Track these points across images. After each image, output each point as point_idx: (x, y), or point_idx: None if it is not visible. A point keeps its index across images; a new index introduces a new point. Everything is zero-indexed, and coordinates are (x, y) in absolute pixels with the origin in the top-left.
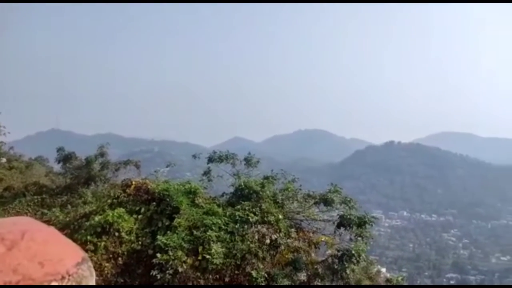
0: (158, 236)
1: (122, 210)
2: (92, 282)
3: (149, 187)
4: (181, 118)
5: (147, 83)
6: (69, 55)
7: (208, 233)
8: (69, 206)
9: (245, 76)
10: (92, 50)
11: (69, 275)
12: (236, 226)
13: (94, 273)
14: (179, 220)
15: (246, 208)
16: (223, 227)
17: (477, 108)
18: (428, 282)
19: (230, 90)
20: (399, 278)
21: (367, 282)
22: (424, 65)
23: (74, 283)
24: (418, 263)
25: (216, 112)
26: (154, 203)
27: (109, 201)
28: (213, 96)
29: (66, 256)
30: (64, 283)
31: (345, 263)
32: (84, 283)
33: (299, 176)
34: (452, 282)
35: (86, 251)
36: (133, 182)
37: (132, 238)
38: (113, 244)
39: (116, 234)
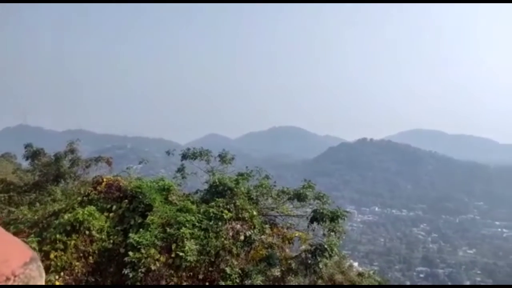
0: (130, 234)
1: (92, 208)
2: (41, 282)
3: (121, 184)
4: (155, 115)
5: (120, 78)
6: (39, 49)
7: (181, 231)
8: (37, 204)
9: (221, 74)
10: (64, 44)
11: (14, 276)
12: (210, 223)
13: (43, 273)
14: (152, 217)
15: (220, 204)
16: (197, 224)
17: (446, 107)
18: (398, 275)
19: (206, 88)
20: (371, 272)
21: (339, 276)
22: (395, 64)
23: (21, 284)
24: (389, 257)
25: (192, 109)
26: (126, 200)
27: (79, 198)
28: (189, 93)
29: (12, 256)
30: (9, 284)
31: (318, 257)
32: (32, 283)
33: (274, 173)
34: (422, 276)
35: (56, 250)
36: (104, 179)
37: (103, 236)
38: (84, 243)
39: (87, 232)
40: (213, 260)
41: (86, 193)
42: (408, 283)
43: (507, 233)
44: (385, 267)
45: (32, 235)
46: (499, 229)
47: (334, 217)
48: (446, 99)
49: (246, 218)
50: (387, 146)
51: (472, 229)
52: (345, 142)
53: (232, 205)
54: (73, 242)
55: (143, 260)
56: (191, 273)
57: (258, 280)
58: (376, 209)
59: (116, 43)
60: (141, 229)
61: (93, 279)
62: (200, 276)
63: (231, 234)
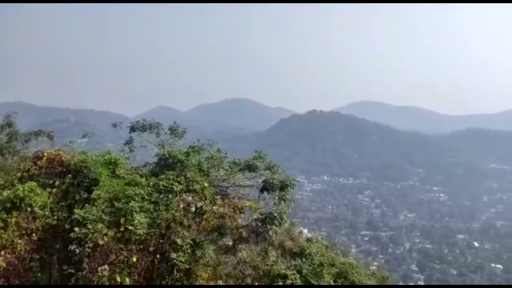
0: (75, 210)
1: (33, 183)
2: None
3: (63, 158)
4: (100, 86)
5: (61, 47)
6: None
7: (130, 204)
8: None
9: (172, 43)
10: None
11: None
12: (160, 196)
13: None
14: (98, 192)
15: (170, 177)
16: (146, 197)
17: (392, 80)
18: (345, 239)
19: (155, 57)
20: (319, 237)
21: (289, 243)
22: (345, 37)
23: None
24: (336, 223)
25: (140, 80)
26: (70, 175)
27: (18, 174)
28: (136, 62)
29: None
30: None
31: (268, 225)
32: None
33: (227, 145)
34: (366, 239)
35: None
36: (46, 154)
37: (47, 212)
38: (26, 220)
39: (29, 209)
40: (164, 232)
41: (26, 169)
42: (353, 246)
43: (443, 197)
44: (333, 232)
45: None
46: (436, 194)
47: (283, 186)
48: (392, 73)
49: (197, 190)
50: (336, 117)
51: (412, 195)
52: (296, 114)
53: (183, 177)
54: (14, 219)
55: (90, 235)
56: (142, 246)
57: (210, 249)
58: (325, 178)
59: (56, 9)
60: (87, 204)
61: (37, 257)
62: (151, 249)
63: (182, 206)
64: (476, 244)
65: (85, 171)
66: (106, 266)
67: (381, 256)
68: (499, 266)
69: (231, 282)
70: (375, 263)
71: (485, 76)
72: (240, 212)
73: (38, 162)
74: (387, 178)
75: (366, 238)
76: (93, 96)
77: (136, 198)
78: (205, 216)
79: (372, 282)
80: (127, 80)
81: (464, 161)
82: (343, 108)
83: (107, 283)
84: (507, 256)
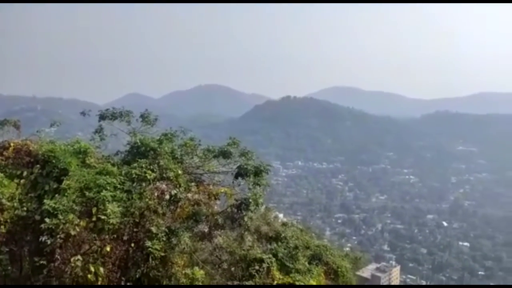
0: (45, 201)
1: (0, 175)
2: None
3: (31, 148)
4: (68, 73)
5: (27, 34)
6: None
7: (102, 194)
8: None
9: (142, 28)
10: None
11: None
12: (133, 185)
13: None
14: (68, 182)
15: (143, 165)
16: (118, 186)
17: (363, 65)
18: (319, 222)
19: (124, 43)
20: (294, 221)
21: (265, 227)
22: (317, 25)
23: None
24: (311, 207)
25: (109, 67)
26: (38, 165)
27: None
28: (105, 48)
29: None
30: None
31: (243, 211)
32: None
33: (201, 132)
34: (339, 221)
35: None
36: (12, 144)
37: (15, 204)
38: None
39: None
40: (138, 221)
41: None
42: (328, 229)
43: (413, 179)
44: (308, 216)
45: None
46: (407, 176)
47: (258, 172)
48: (362, 59)
49: (171, 178)
50: (309, 103)
51: (383, 177)
52: (271, 100)
53: (156, 165)
54: None
55: (61, 226)
56: (115, 235)
57: (185, 236)
58: (299, 163)
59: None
60: (57, 195)
61: (7, 249)
62: (125, 238)
63: (156, 194)
64: (444, 223)
65: (54, 161)
66: (79, 257)
67: (354, 237)
68: (466, 244)
69: (208, 268)
70: (348, 245)
71: (453, 61)
72: (215, 199)
73: (4, 153)
74: (360, 162)
75: (340, 221)
76: (60, 84)
77: (108, 187)
78: (179, 204)
79: (345, 262)
80: (96, 67)
81: (433, 144)
82: (316, 93)
83: (80, 274)
84: (474, 234)
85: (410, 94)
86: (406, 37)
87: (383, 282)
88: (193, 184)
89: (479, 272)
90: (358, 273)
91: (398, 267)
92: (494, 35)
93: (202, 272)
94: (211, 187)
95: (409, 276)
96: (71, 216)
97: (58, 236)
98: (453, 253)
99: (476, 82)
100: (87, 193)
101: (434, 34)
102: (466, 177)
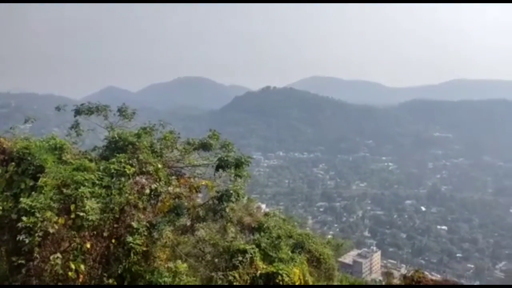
0: (21, 199)
1: None
2: None
3: (5, 146)
4: (42, 67)
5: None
6: None
7: (80, 190)
8: None
9: (118, 20)
10: None
11: None
12: (112, 180)
13: None
14: (44, 179)
15: (122, 160)
16: (97, 182)
17: (343, 55)
18: (301, 211)
19: (100, 35)
20: (277, 211)
21: (248, 218)
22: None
23: None
24: (293, 196)
25: (85, 60)
26: (13, 163)
27: None
28: (80, 41)
29: None
30: None
31: (224, 202)
32: None
33: (181, 125)
34: (321, 210)
35: None
36: None
37: None
38: None
39: None
40: (118, 216)
41: None
42: (310, 217)
43: (392, 166)
44: (290, 205)
45: None
46: (386, 163)
47: (238, 163)
48: (341, 49)
49: (151, 172)
50: (289, 93)
51: (363, 165)
52: (251, 91)
53: (135, 160)
54: None
55: (39, 224)
56: (95, 232)
57: (167, 230)
58: (281, 153)
59: None
60: (33, 193)
61: None
62: (106, 234)
63: (136, 189)
64: (423, 208)
65: (29, 158)
66: (58, 254)
67: (336, 225)
68: (444, 227)
69: (191, 261)
70: (330, 232)
71: (428, 49)
72: (197, 192)
73: None
74: (340, 151)
75: (321, 209)
76: (35, 79)
77: (86, 184)
78: (160, 198)
79: (327, 250)
80: (71, 61)
81: (411, 131)
82: (296, 84)
83: (60, 272)
84: (451, 218)
85: (388, 82)
86: (384, 27)
87: (365, 267)
88: (173, 177)
89: (457, 254)
90: (340, 259)
91: (379, 252)
92: (467, 24)
93: (185, 265)
94: (192, 180)
95: (389, 260)
96: (49, 213)
97: (36, 234)
98: (432, 237)
99: (449, 69)
100: (64, 190)
101: (411, 24)
102: (443, 163)
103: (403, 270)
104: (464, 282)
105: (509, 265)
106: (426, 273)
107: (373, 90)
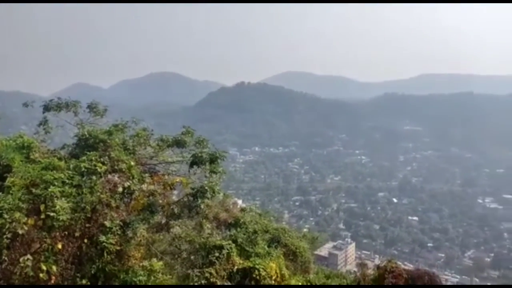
0: None
1: None
2: None
3: None
4: (9, 64)
5: None
6: None
7: (50, 190)
8: None
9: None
10: None
11: None
12: (83, 179)
13: None
14: (12, 179)
15: (93, 158)
16: (67, 181)
17: (315, 51)
18: (278, 206)
19: (69, 30)
20: (253, 207)
21: (224, 214)
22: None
23: None
24: (269, 191)
25: (52, 56)
26: None
27: None
28: (47, 35)
29: None
30: None
31: (199, 199)
32: None
33: (154, 121)
34: (297, 204)
35: None
36: None
37: None
38: None
39: None
40: (89, 216)
41: None
42: (286, 212)
43: (364, 159)
44: (266, 200)
45: None
46: (359, 157)
47: (213, 159)
48: (314, 44)
49: (124, 170)
50: (263, 89)
51: (337, 159)
52: (225, 86)
53: (107, 157)
54: None
55: (7, 226)
56: (67, 232)
57: (141, 228)
58: (256, 149)
59: None
60: (0, 193)
61: None
62: (77, 234)
63: (108, 187)
64: (395, 200)
65: None
66: (28, 256)
67: (311, 218)
68: (415, 218)
69: (167, 258)
70: (306, 226)
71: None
72: (171, 189)
73: None
74: (314, 145)
75: (297, 203)
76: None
77: (56, 183)
78: (134, 196)
79: (303, 243)
80: (39, 57)
81: (382, 125)
82: (270, 79)
83: (31, 274)
84: (422, 208)
85: (360, 77)
86: (356, 24)
87: (340, 259)
88: (147, 175)
89: (428, 244)
90: (316, 252)
91: (353, 244)
92: (438, 22)
93: (160, 263)
94: (166, 177)
95: (363, 251)
96: (17, 214)
97: (4, 236)
98: (404, 228)
99: (418, 64)
100: (33, 190)
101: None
102: (413, 155)
103: (377, 261)
104: (435, 271)
105: (477, 253)
106: (399, 263)
107: (346, 85)
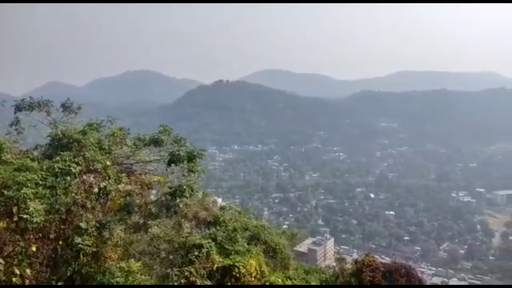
0: None
1: None
2: None
3: None
4: None
5: None
6: None
7: (22, 191)
8: None
9: (61, 13)
10: None
11: None
12: (57, 180)
13: None
14: None
15: (67, 158)
16: (40, 182)
17: (294, 49)
18: (257, 203)
19: (41, 27)
20: (232, 205)
21: (203, 213)
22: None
23: None
24: (248, 189)
25: (24, 54)
26: None
27: None
28: (18, 33)
29: None
30: None
31: (177, 198)
32: None
33: (131, 120)
34: (276, 201)
35: None
36: None
37: None
38: None
39: None
40: (64, 217)
41: None
42: (265, 209)
43: (342, 156)
44: (246, 198)
45: None
46: (337, 154)
47: (191, 157)
48: (292, 42)
49: (99, 170)
50: (242, 86)
51: (315, 156)
52: (203, 84)
53: (81, 157)
54: None
55: None
56: (41, 234)
57: (118, 229)
58: (236, 147)
59: None
60: None
61: None
62: (52, 236)
63: (83, 188)
64: (372, 195)
65: None
66: (1, 260)
67: (291, 215)
68: (391, 212)
69: (145, 259)
70: (286, 222)
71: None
72: (149, 188)
73: None
74: (293, 143)
75: (277, 200)
76: None
77: (29, 184)
78: (110, 196)
79: (283, 240)
80: (10, 55)
81: (359, 122)
82: (249, 77)
83: (3, 278)
84: (398, 203)
85: (339, 75)
86: (334, 23)
87: (319, 254)
88: (123, 175)
89: (405, 238)
90: (295, 248)
91: (332, 239)
92: (409, 20)
93: (138, 264)
94: (143, 176)
95: (342, 246)
96: None
97: None
98: (381, 222)
99: (393, 62)
100: (5, 192)
101: (357, 20)
102: (389, 151)
103: (355, 255)
104: (412, 263)
105: (452, 245)
106: (376, 256)
107: (324, 83)
